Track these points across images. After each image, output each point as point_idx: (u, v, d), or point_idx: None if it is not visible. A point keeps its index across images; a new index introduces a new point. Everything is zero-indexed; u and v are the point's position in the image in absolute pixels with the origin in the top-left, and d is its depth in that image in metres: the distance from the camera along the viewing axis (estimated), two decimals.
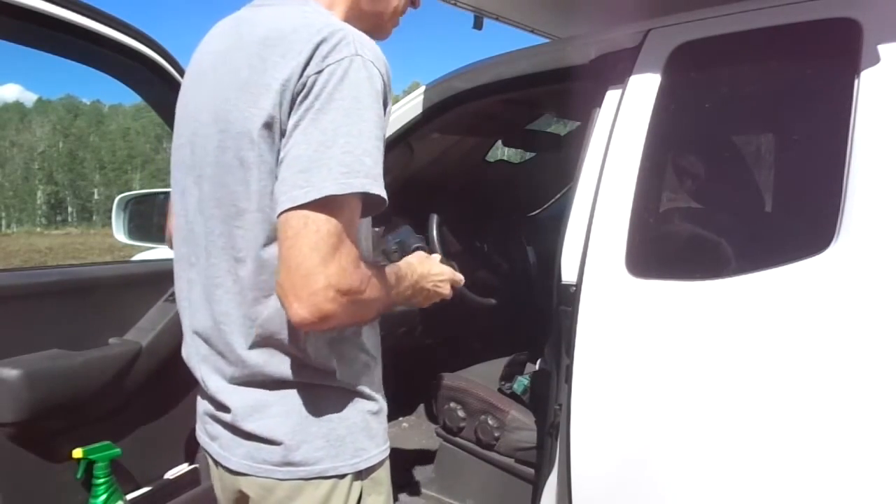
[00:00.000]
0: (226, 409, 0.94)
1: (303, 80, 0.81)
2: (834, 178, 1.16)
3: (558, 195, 2.97)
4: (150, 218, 2.21)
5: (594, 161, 1.43)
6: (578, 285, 1.37)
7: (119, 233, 2.20)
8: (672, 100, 1.40)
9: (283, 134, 0.83)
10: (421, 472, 2.29)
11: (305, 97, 0.81)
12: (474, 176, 2.69)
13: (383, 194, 0.83)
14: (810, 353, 1.13)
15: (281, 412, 0.91)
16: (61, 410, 1.46)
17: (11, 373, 1.34)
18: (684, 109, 1.46)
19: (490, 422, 1.95)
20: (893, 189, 1.11)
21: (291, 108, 0.81)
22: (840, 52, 1.23)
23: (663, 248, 1.50)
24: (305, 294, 0.79)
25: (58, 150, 77.85)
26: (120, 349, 1.59)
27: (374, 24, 1.03)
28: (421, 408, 2.79)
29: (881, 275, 1.09)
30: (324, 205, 0.78)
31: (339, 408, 0.92)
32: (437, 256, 1.16)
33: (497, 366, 2.17)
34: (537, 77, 1.72)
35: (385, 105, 0.86)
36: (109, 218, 2.21)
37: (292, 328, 0.88)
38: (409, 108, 1.94)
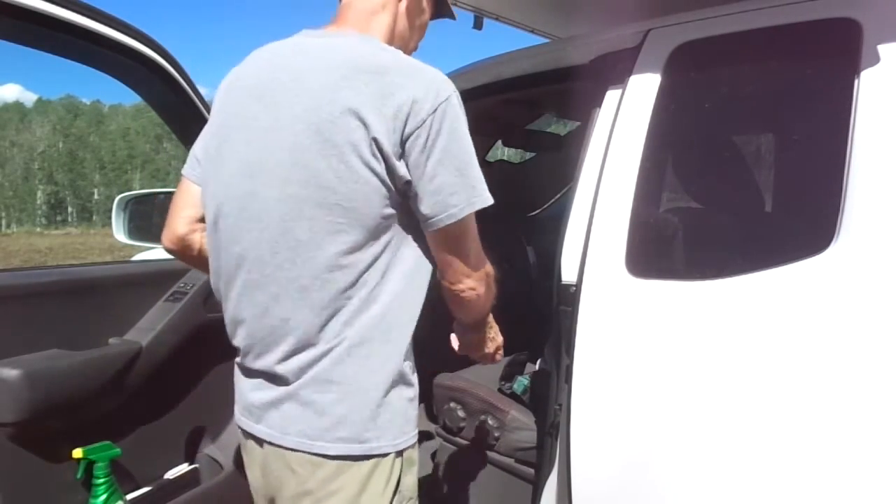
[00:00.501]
0: (285, 387, 1.03)
1: (420, 115, 0.96)
2: (834, 178, 1.16)
3: (558, 195, 2.97)
4: (150, 218, 2.21)
5: (594, 161, 1.43)
6: (578, 285, 1.37)
7: (119, 233, 2.20)
8: (672, 100, 1.40)
9: (392, 154, 0.96)
10: (421, 472, 2.29)
11: (429, 131, 0.96)
12: None
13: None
14: (810, 353, 1.13)
15: (339, 392, 1.00)
16: (61, 410, 1.46)
17: (11, 373, 1.34)
18: (684, 109, 1.46)
19: (490, 422, 1.95)
20: (893, 189, 1.11)
21: (408, 138, 0.96)
22: (840, 52, 1.23)
23: (663, 248, 1.50)
24: (476, 275, 1.08)
25: (58, 150, 77.87)
26: (120, 349, 1.59)
27: (404, 45, 1.18)
28: (421, 408, 2.79)
29: (881, 275, 1.09)
30: (472, 216, 1.02)
31: (387, 393, 1.03)
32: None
33: (497, 366, 2.17)
34: (537, 77, 1.72)
35: None
36: (109, 218, 2.21)
37: (365, 318, 1.01)
38: None
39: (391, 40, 1.14)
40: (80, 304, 1.58)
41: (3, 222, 71.42)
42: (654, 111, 1.38)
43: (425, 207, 0.99)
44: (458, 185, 0.99)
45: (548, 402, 1.47)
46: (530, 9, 1.98)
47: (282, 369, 1.03)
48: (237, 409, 1.13)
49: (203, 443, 1.91)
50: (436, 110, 0.97)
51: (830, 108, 1.26)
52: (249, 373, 1.09)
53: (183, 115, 1.81)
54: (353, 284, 0.99)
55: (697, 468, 1.23)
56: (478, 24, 2.04)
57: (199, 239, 1.17)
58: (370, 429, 1.01)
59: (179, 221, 1.18)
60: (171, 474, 1.77)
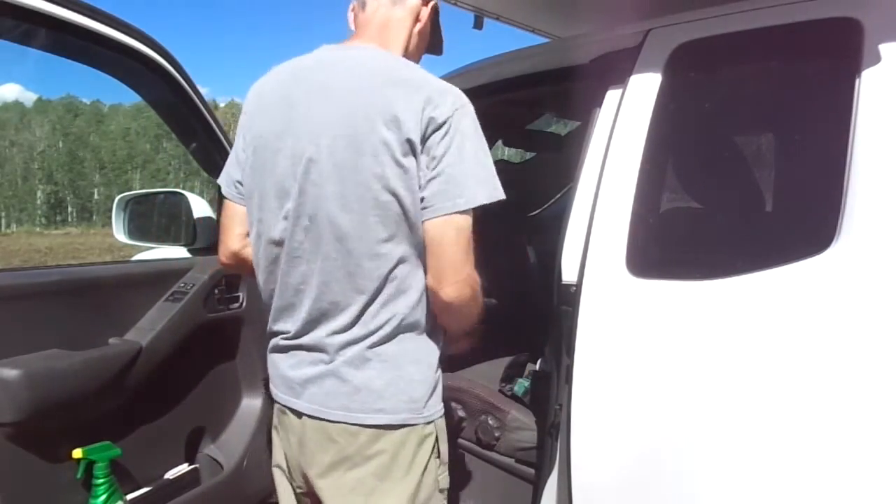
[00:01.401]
0: (326, 367, 1.15)
1: (443, 119, 1.08)
2: (834, 178, 1.16)
3: (558, 195, 2.97)
4: (150, 218, 2.21)
5: (594, 161, 1.43)
6: (579, 285, 1.37)
7: (119, 233, 2.20)
8: (672, 100, 1.40)
9: (420, 153, 1.07)
10: None
11: (447, 132, 1.08)
12: None
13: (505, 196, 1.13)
14: (811, 353, 1.13)
15: (378, 370, 1.13)
16: (61, 410, 1.45)
17: (11, 373, 1.34)
18: (684, 109, 1.46)
19: (490, 422, 1.95)
20: (894, 189, 1.11)
21: (431, 137, 1.07)
22: (841, 51, 1.23)
23: (663, 248, 1.50)
24: (455, 280, 1.10)
25: (58, 149, 77.84)
26: (120, 349, 1.59)
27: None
28: None
29: (882, 275, 1.09)
30: (469, 212, 1.09)
31: (421, 371, 1.16)
32: None
33: (497, 366, 2.17)
34: (537, 77, 1.72)
35: None
36: (109, 218, 2.21)
37: (402, 302, 1.13)
38: None
39: (406, 54, 1.25)
40: (80, 304, 1.58)
41: (3, 222, 71.40)
42: (654, 111, 1.38)
43: (439, 194, 1.08)
44: (474, 178, 1.08)
45: (548, 402, 1.47)
46: (530, 9, 1.98)
47: (326, 345, 1.15)
48: (273, 386, 1.26)
49: (203, 443, 1.91)
50: (455, 111, 1.09)
51: (831, 107, 1.26)
52: (290, 350, 1.21)
53: (183, 115, 1.81)
54: (389, 272, 1.11)
55: (698, 468, 1.23)
56: (478, 24, 2.03)
57: (251, 252, 1.28)
58: (405, 401, 1.14)
59: (233, 239, 1.31)
60: (171, 474, 1.77)
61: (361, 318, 1.13)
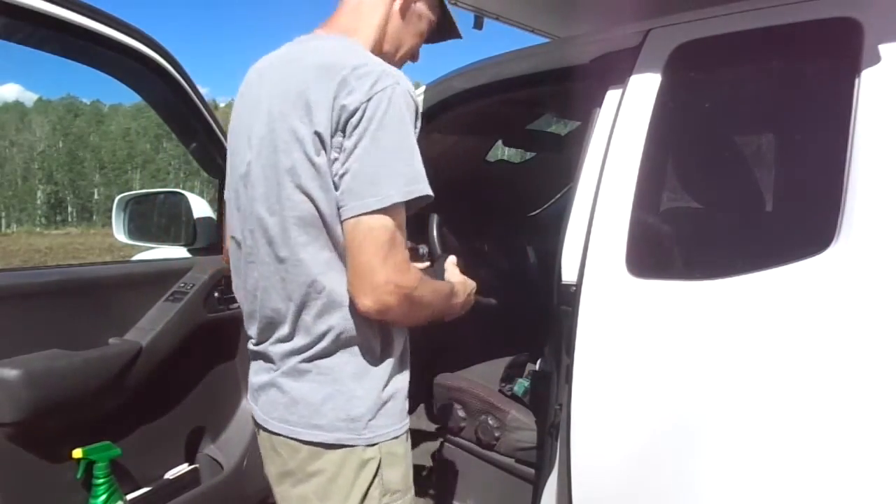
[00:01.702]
0: (272, 375, 1.11)
1: (356, 105, 0.97)
2: (834, 178, 1.16)
3: (558, 195, 2.97)
4: (150, 218, 2.21)
5: (594, 161, 1.43)
6: (578, 285, 1.37)
7: (119, 233, 2.20)
8: (672, 100, 1.40)
9: (332, 147, 0.98)
10: (421, 473, 2.29)
11: (360, 121, 0.97)
12: (474, 176, 2.69)
13: (431, 193, 1.02)
14: (810, 353, 1.13)
15: (316, 383, 1.06)
16: (61, 410, 1.45)
17: (11, 373, 1.34)
18: (684, 109, 1.46)
19: (490, 422, 1.95)
20: (894, 189, 1.11)
21: (345, 128, 0.98)
22: (841, 51, 1.23)
23: (663, 248, 1.50)
24: (370, 288, 0.98)
25: (58, 149, 77.85)
26: (120, 349, 1.59)
27: (396, 46, 1.21)
28: (421, 408, 2.79)
29: (882, 275, 1.09)
30: (385, 212, 0.97)
31: (364, 387, 1.06)
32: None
33: (497, 366, 2.17)
34: (537, 77, 1.72)
35: (417, 124, 1.05)
36: (109, 218, 2.21)
37: (338, 314, 1.04)
38: None
39: (382, 40, 1.18)
40: (80, 304, 1.58)
41: (3, 222, 71.41)
42: (654, 111, 1.38)
43: (348, 193, 0.98)
44: (385, 176, 0.97)
45: (548, 402, 1.47)
46: (530, 9, 1.98)
47: (272, 354, 1.11)
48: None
49: (203, 443, 1.91)
50: (374, 96, 0.97)
51: (831, 107, 1.25)
52: (254, 357, 1.19)
53: (183, 115, 1.81)
54: (314, 280, 1.03)
55: (698, 468, 1.23)
56: (478, 24, 2.03)
57: None
58: (342, 419, 1.05)
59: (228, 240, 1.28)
60: (171, 474, 1.77)
61: (298, 328, 1.07)
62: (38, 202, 75.46)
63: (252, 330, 1.17)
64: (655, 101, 1.39)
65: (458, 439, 2.07)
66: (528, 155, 2.97)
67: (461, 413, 2.04)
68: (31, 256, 19.82)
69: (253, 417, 1.19)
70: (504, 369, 2.13)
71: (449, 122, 2.05)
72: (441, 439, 2.16)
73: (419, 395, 2.63)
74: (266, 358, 1.14)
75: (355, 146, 0.97)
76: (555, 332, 1.45)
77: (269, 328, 1.12)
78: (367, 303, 0.98)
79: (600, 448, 1.36)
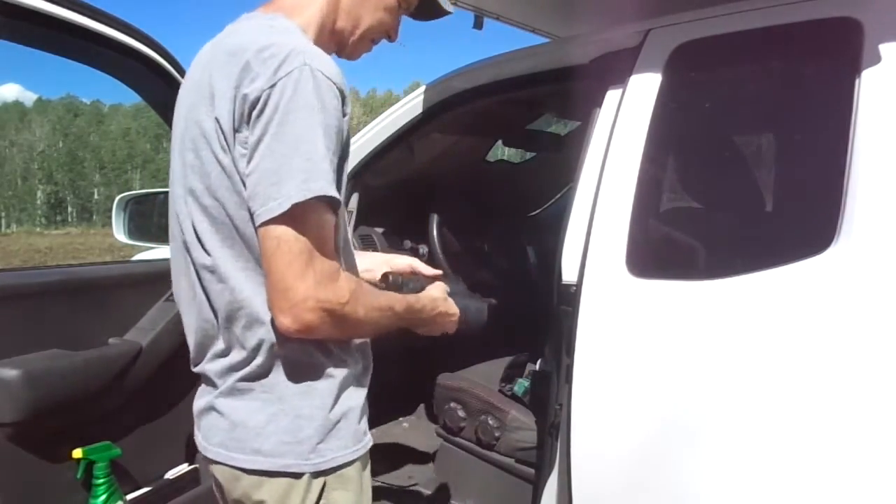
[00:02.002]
0: (210, 397, 0.99)
1: (258, 94, 0.85)
2: (834, 179, 1.16)
3: (558, 195, 2.97)
4: (150, 218, 2.21)
5: (594, 161, 1.43)
6: (579, 285, 1.37)
7: (119, 233, 2.20)
8: (672, 100, 1.40)
9: (238, 143, 0.87)
10: (421, 472, 2.29)
11: (262, 111, 0.85)
12: (474, 176, 2.69)
13: (339, 197, 0.88)
14: (810, 352, 1.13)
15: (255, 404, 0.94)
16: (61, 410, 1.45)
17: (11, 373, 1.34)
18: (684, 109, 1.46)
19: (490, 422, 1.95)
20: (894, 189, 1.11)
21: (249, 121, 0.86)
22: (841, 51, 1.23)
23: (663, 248, 1.50)
24: (287, 306, 0.85)
25: (57, 149, 77.87)
26: (120, 349, 1.59)
27: (339, 42, 1.08)
28: (421, 408, 2.79)
29: (881, 275, 1.09)
30: (293, 216, 0.83)
31: (312, 406, 0.94)
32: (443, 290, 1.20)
33: (497, 366, 2.17)
34: (537, 77, 1.72)
35: (340, 112, 0.89)
36: (109, 218, 2.21)
37: (264, 328, 0.92)
38: (409, 108, 1.94)
39: (333, 16, 1.04)
40: (80, 304, 1.58)
41: (3, 222, 71.42)
42: (654, 111, 1.38)
43: (254, 197, 0.85)
44: (285, 175, 0.83)
45: (548, 402, 1.47)
46: (530, 9, 1.98)
47: (210, 372, 0.99)
48: None
49: None
50: (278, 81, 0.84)
51: (831, 107, 1.26)
52: (198, 377, 1.05)
53: None
54: (234, 291, 0.91)
55: (698, 468, 1.23)
56: (478, 24, 2.03)
57: None
58: (287, 442, 0.93)
59: None
60: (171, 474, 1.77)
61: (231, 342, 0.95)
62: (38, 202, 75.49)
63: (190, 345, 1.03)
64: (655, 101, 1.39)
65: (458, 439, 2.07)
66: (528, 155, 2.97)
67: (461, 413, 2.04)
68: (31, 256, 19.81)
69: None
70: (504, 369, 2.13)
71: (449, 122, 2.05)
72: (441, 439, 2.16)
73: (419, 395, 2.64)
74: (206, 379, 1.01)
75: (259, 141, 0.85)
76: (555, 332, 1.45)
77: (204, 343, 0.99)
78: (285, 322, 0.86)
79: (600, 448, 1.35)
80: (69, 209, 76.54)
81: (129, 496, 1.62)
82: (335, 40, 1.07)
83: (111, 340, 1.61)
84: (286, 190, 0.83)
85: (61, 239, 33.64)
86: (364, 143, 2.04)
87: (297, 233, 0.84)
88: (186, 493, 1.76)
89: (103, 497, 1.50)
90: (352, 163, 2.07)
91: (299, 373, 0.94)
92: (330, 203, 0.86)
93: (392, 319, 1.01)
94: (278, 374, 0.94)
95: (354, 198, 2.12)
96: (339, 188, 0.91)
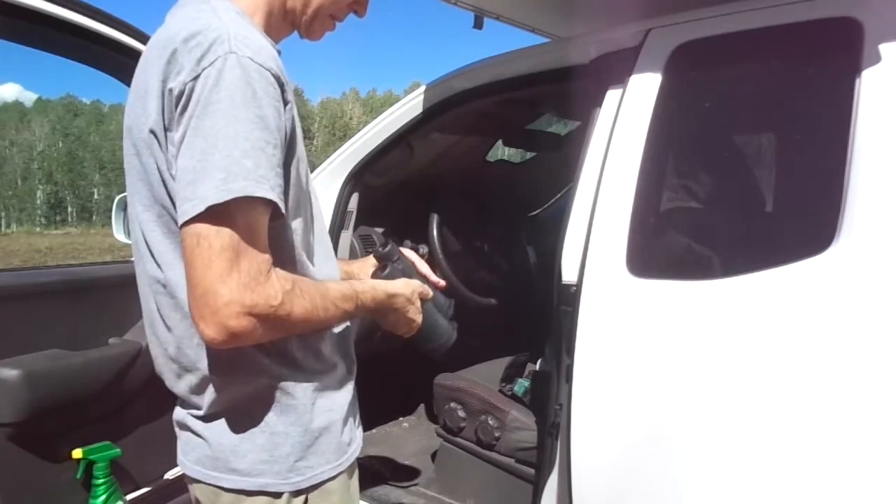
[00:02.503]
0: (184, 413, 0.95)
1: (182, 87, 0.78)
2: (834, 178, 1.16)
3: (558, 195, 2.97)
4: None
5: (594, 161, 1.43)
6: (579, 285, 1.37)
7: (119, 233, 2.19)
8: (672, 100, 1.40)
9: (170, 143, 0.81)
10: (421, 472, 2.29)
11: (186, 105, 0.78)
12: (474, 176, 2.69)
13: (269, 196, 0.78)
14: (810, 352, 1.13)
15: (228, 422, 0.90)
16: (61, 410, 1.45)
17: (11, 373, 1.34)
18: (685, 109, 1.46)
19: (490, 422, 1.95)
20: (894, 189, 1.11)
21: (174, 118, 0.80)
22: (841, 51, 1.23)
23: (664, 248, 1.50)
24: (208, 313, 0.76)
25: (57, 149, 77.89)
26: (120, 349, 1.59)
27: (293, 23, 1.00)
28: (421, 408, 2.79)
29: (881, 275, 1.09)
30: (213, 217, 0.75)
31: (284, 423, 0.90)
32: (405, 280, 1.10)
33: (497, 366, 2.17)
34: (537, 77, 1.72)
35: (278, 100, 0.82)
36: (109, 218, 2.21)
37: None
38: (409, 108, 1.94)
39: None
40: (80, 304, 1.58)
41: (3, 222, 71.43)
42: (654, 111, 1.38)
43: (178, 198, 0.79)
44: (201, 172, 0.76)
45: (548, 402, 1.47)
46: (530, 9, 1.98)
47: (178, 389, 0.94)
48: None
49: None
50: (197, 77, 0.77)
51: (831, 107, 1.25)
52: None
53: None
54: (185, 306, 0.83)
55: (698, 468, 1.23)
56: (478, 24, 2.03)
57: None
58: (264, 460, 0.89)
59: None
60: (171, 474, 1.77)
61: (192, 358, 0.90)
62: (38, 202, 75.49)
63: (154, 359, 0.99)
64: (655, 101, 1.39)
65: (458, 439, 2.07)
66: (528, 155, 2.97)
67: (461, 413, 2.04)
68: (31, 256, 19.81)
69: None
70: (504, 369, 2.13)
71: (449, 123, 2.05)
72: (441, 439, 2.16)
73: (419, 395, 2.64)
74: (176, 393, 0.96)
75: (182, 138, 0.78)
76: (555, 332, 1.45)
77: (165, 360, 0.94)
78: (208, 332, 0.77)
79: (600, 448, 1.35)
80: (69, 209, 76.55)
81: (129, 496, 1.62)
82: (289, 21, 0.99)
83: (111, 340, 1.62)
84: (202, 191, 0.75)
85: (61, 239, 33.64)
86: (364, 143, 2.04)
87: (219, 233, 0.76)
88: (186, 493, 1.76)
89: (103, 497, 1.50)
90: (352, 163, 2.07)
91: (270, 387, 0.89)
92: (262, 203, 0.78)
93: (341, 313, 0.92)
94: (248, 390, 0.89)
95: (354, 198, 2.12)
96: (286, 184, 0.84)
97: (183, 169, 0.77)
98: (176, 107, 0.79)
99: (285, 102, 0.84)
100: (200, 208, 0.75)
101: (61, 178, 76.12)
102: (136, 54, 1.59)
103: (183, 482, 1.45)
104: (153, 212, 0.87)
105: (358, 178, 2.09)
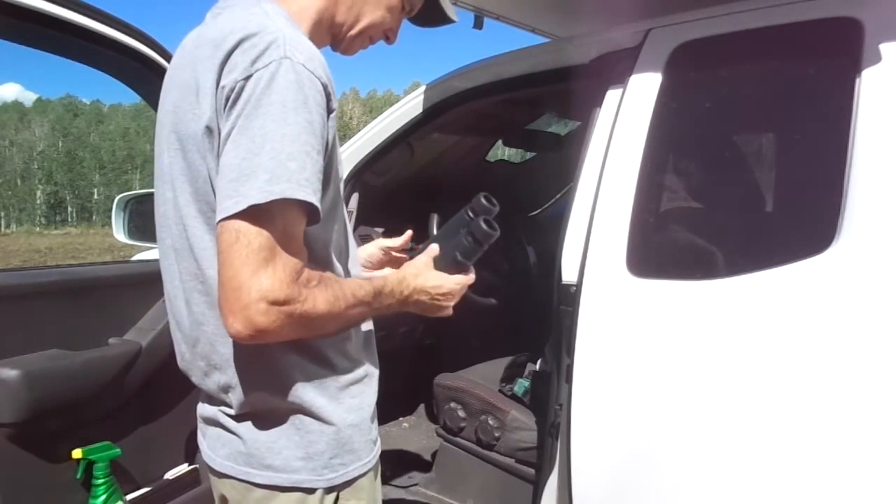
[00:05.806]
0: (214, 409, 0.96)
1: (233, 85, 0.80)
2: (834, 178, 1.16)
3: (558, 195, 2.97)
4: (150, 218, 2.20)
5: (594, 161, 1.43)
6: (579, 285, 1.37)
7: (119, 233, 2.20)
8: (672, 100, 1.40)
9: (220, 139, 0.83)
10: (421, 473, 2.29)
11: (235, 103, 0.80)
12: (474, 176, 2.69)
13: (311, 199, 0.80)
14: (810, 352, 1.13)
15: (266, 417, 0.91)
16: (61, 410, 1.45)
17: (11, 373, 1.34)
18: (684, 109, 1.46)
19: (490, 422, 1.95)
20: (894, 189, 1.11)
21: (222, 113, 0.82)
22: (841, 51, 1.23)
23: (664, 248, 1.50)
24: (238, 308, 0.78)
25: (57, 149, 77.93)
26: (120, 349, 1.59)
27: (336, 36, 1.03)
28: (421, 408, 2.79)
29: (881, 275, 1.09)
30: (253, 215, 0.77)
31: (320, 420, 0.92)
32: (431, 271, 1.09)
33: (497, 366, 2.17)
34: (537, 77, 1.72)
35: (324, 108, 0.84)
36: (109, 218, 2.21)
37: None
38: (409, 107, 1.94)
39: (332, 9, 1.00)
40: (80, 304, 1.57)
41: (3, 222, 71.45)
42: (654, 111, 1.38)
43: (219, 194, 0.81)
44: (245, 171, 0.78)
45: (548, 402, 1.47)
46: (530, 9, 1.98)
47: (208, 389, 0.96)
48: None
49: None
50: (249, 77, 0.80)
51: (831, 107, 1.26)
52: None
53: None
54: (217, 300, 0.84)
55: (698, 468, 1.23)
56: (478, 24, 2.03)
57: None
58: (300, 458, 0.91)
59: None
60: (171, 474, 1.77)
61: (224, 353, 0.91)
62: (38, 202, 75.54)
63: (178, 355, 1.00)
64: (655, 101, 1.39)
65: (458, 439, 2.07)
66: (528, 155, 2.97)
67: (461, 413, 2.04)
68: (31, 256, 19.81)
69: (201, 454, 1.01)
70: (504, 369, 2.13)
71: (449, 123, 2.05)
72: (441, 439, 2.16)
73: (419, 395, 2.64)
74: (204, 390, 0.97)
75: (228, 135, 0.80)
76: (555, 332, 1.45)
77: (193, 357, 0.95)
78: (236, 326, 0.79)
79: (600, 448, 1.35)
80: (69, 209, 76.60)
81: (129, 496, 1.62)
82: (332, 33, 1.03)
83: (111, 340, 1.61)
84: (245, 189, 0.77)
85: (61, 239, 33.65)
86: (364, 143, 2.04)
87: (256, 232, 0.78)
88: (186, 493, 1.76)
89: (103, 497, 1.50)
90: (352, 163, 2.07)
91: (302, 387, 0.90)
92: (301, 206, 0.80)
93: (363, 308, 0.93)
94: (281, 387, 0.90)
95: (354, 198, 2.12)
96: (325, 189, 0.85)
97: (227, 166, 0.79)
98: (226, 103, 0.81)
99: (329, 111, 0.86)
100: (242, 206, 0.77)
101: (61, 178, 76.17)
102: (136, 54, 1.60)
103: (183, 482, 1.44)
104: (197, 208, 0.88)
105: (358, 178, 2.10)
